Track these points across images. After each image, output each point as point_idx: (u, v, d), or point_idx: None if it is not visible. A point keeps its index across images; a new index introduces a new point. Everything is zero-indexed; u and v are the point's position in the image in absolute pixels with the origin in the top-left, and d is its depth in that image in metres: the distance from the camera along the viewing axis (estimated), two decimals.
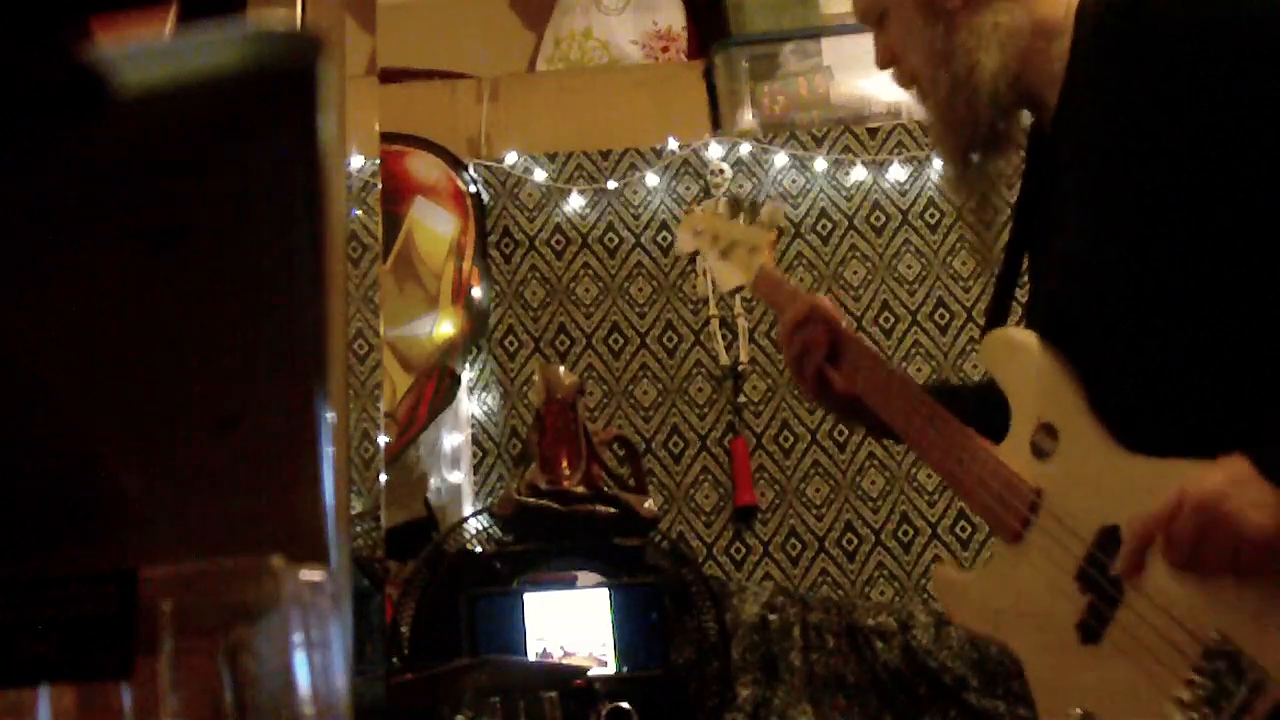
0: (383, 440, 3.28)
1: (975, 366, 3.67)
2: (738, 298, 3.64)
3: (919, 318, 3.71)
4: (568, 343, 3.72)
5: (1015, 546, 1.33)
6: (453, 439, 3.68)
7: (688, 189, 3.80)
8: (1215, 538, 1.10)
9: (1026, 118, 1.45)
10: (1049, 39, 1.36)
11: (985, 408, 1.42)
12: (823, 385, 1.60)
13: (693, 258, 3.70)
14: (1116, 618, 1.20)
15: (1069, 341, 1.32)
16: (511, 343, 3.73)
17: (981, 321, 3.69)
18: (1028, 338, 1.36)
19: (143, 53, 0.46)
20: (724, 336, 3.66)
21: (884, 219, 3.78)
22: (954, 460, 1.42)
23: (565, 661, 2.87)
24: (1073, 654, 1.24)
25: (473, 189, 3.81)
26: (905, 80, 1.49)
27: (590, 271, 3.76)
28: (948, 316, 3.71)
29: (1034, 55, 1.37)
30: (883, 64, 1.50)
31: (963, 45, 1.39)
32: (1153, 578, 1.17)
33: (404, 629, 3.08)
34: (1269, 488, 1.08)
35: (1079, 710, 1.22)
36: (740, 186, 3.79)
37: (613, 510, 3.13)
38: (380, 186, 3.46)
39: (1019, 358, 1.37)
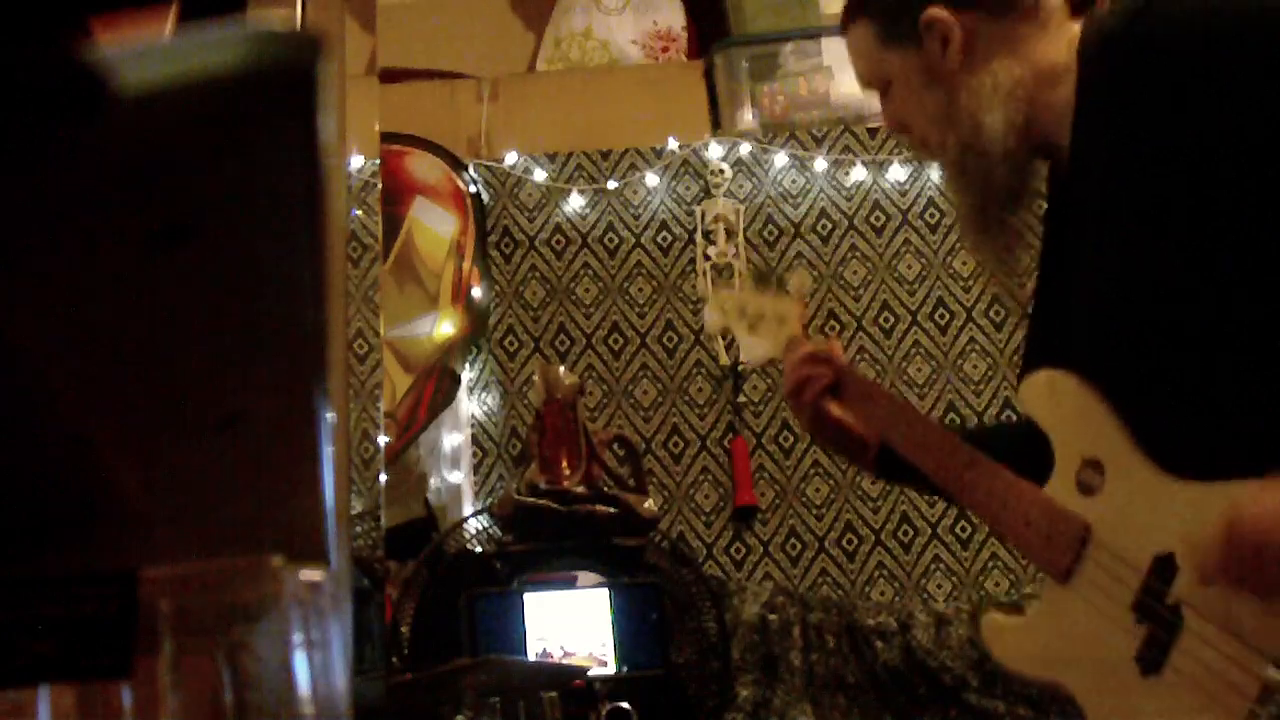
0: (383, 440, 3.27)
1: (975, 367, 3.67)
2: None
3: (919, 318, 3.71)
4: (568, 343, 3.72)
5: (1066, 585, 1.31)
6: (453, 439, 3.68)
7: (688, 189, 3.80)
8: (1270, 565, 1.09)
9: (1043, 166, 1.45)
10: (1054, 84, 1.36)
11: (1013, 450, 1.41)
12: (820, 418, 1.64)
13: (694, 260, 3.72)
14: (1178, 645, 1.18)
15: (1107, 375, 1.31)
16: (511, 343, 3.73)
17: (981, 322, 3.69)
18: (1064, 378, 1.35)
19: (143, 53, 0.46)
20: (724, 336, 3.66)
21: (884, 219, 3.78)
22: (997, 503, 1.40)
23: (565, 661, 2.86)
24: (1133, 687, 1.22)
25: (473, 189, 3.81)
26: (917, 145, 1.50)
27: (590, 271, 3.76)
28: (948, 316, 3.71)
29: (1041, 102, 1.37)
30: (892, 129, 1.52)
31: (965, 108, 1.39)
32: (1212, 602, 1.15)
33: (404, 629, 3.08)
34: None
35: None
36: (740, 186, 3.79)
37: (613, 510, 3.13)
38: (380, 186, 3.46)
39: (1058, 398, 1.35)
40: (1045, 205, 1.48)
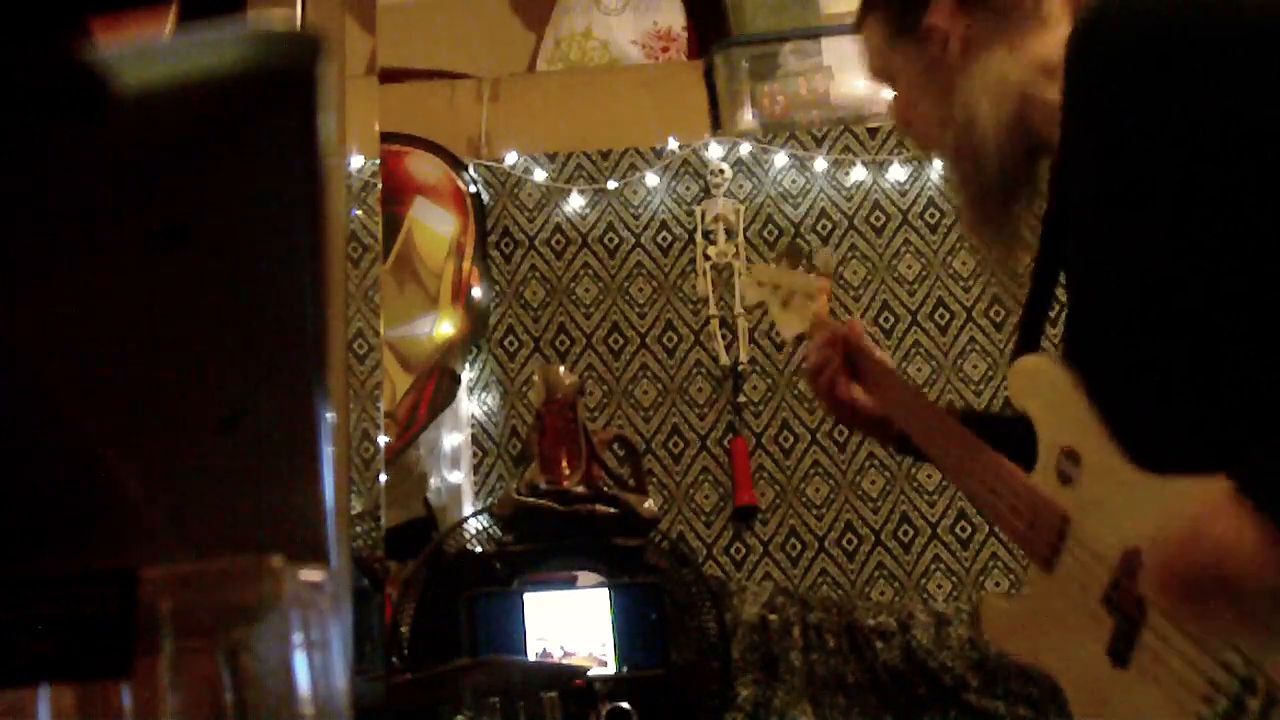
0: (383, 440, 3.28)
1: (975, 367, 3.67)
2: (738, 297, 3.65)
3: (919, 318, 3.71)
4: (568, 343, 3.72)
5: (1049, 573, 1.33)
6: (453, 439, 3.68)
7: (688, 189, 3.80)
8: (1202, 579, 1.10)
9: (1046, 164, 1.46)
10: (1050, 79, 1.36)
11: (1017, 438, 1.42)
12: (840, 399, 1.70)
13: (694, 260, 3.72)
14: (1141, 640, 1.19)
15: (1090, 366, 1.32)
16: (511, 343, 3.73)
17: (981, 322, 3.70)
18: (1048, 365, 1.37)
19: (143, 53, 0.46)
20: (724, 336, 3.66)
21: (884, 219, 3.78)
22: (988, 488, 1.43)
23: (565, 661, 2.86)
24: (1107, 679, 1.24)
25: (473, 189, 3.81)
26: (920, 139, 1.53)
27: (590, 271, 3.76)
28: (948, 316, 3.71)
29: (1037, 99, 1.38)
30: (899, 123, 1.55)
31: (961, 98, 1.42)
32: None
33: (404, 629, 3.08)
34: (1248, 509, 1.07)
35: None
36: (740, 186, 3.79)
37: (613, 510, 3.13)
38: (380, 186, 3.46)
39: (1041, 385, 1.37)
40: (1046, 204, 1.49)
